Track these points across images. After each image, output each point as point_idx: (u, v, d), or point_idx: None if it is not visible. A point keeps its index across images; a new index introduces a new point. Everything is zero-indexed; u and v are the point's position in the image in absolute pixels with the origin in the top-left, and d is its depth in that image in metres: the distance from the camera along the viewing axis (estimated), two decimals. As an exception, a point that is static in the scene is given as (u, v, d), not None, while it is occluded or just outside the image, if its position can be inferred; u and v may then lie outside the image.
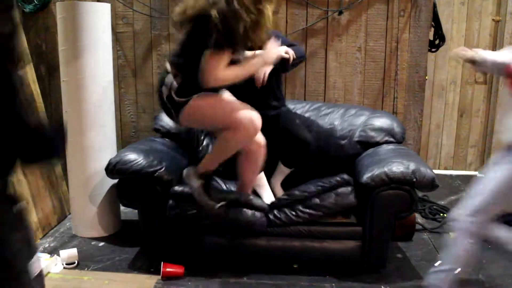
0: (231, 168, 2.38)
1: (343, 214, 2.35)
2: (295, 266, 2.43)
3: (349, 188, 2.33)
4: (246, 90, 2.23)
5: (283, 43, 2.34)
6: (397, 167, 2.23)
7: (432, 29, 3.18)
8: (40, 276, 1.25)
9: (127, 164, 2.32)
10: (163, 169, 2.33)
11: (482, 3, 3.85)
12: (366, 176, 2.25)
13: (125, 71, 3.28)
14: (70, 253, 2.43)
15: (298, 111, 2.83)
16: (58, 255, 2.46)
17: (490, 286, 2.24)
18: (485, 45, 3.91)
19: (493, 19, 3.87)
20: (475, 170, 4.14)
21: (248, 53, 2.20)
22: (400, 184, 2.22)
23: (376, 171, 2.24)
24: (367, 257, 2.32)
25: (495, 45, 3.89)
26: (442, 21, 3.21)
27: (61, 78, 2.68)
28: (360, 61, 3.14)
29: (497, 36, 3.87)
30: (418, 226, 2.85)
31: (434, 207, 3.19)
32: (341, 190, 2.32)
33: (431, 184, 2.22)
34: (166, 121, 2.74)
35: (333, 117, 2.78)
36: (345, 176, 2.36)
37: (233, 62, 1.98)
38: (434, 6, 3.09)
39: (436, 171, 4.03)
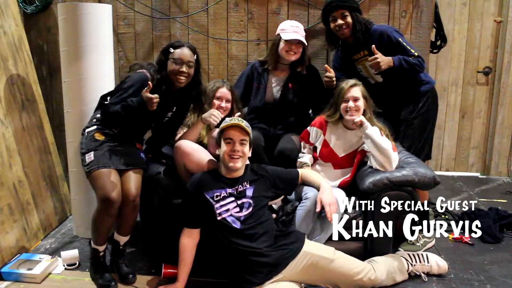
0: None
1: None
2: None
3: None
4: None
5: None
6: (398, 171, 2.28)
7: (434, 30, 3.18)
8: None
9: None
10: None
11: (484, 3, 3.85)
12: (368, 182, 2.27)
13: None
14: (71, 254, 2.43)
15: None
16: (59, 256, 2.46)
17: (491, 287, 2.23)
18: (487, 45, 3.90)
19: (495, 20, 3.86)
20: (477, 171, 4.14)
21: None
22: (402, 186, 2.24)
23: (377, 176, 2.27)
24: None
25: (496, 46, 3.89)
26: (443, 22, 3.20)
27: (62, 79, 2.68)
28: (361, 62, 3.13)
29: (499, 36, 3.86)
30: (419, 227, 2.84)
31: (436, 208, 3.17)
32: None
33: (433, 182, 2.24)
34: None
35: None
36: None
37: None
38: (436, 7, 3.08)
39: (438, 173, 4.03)
